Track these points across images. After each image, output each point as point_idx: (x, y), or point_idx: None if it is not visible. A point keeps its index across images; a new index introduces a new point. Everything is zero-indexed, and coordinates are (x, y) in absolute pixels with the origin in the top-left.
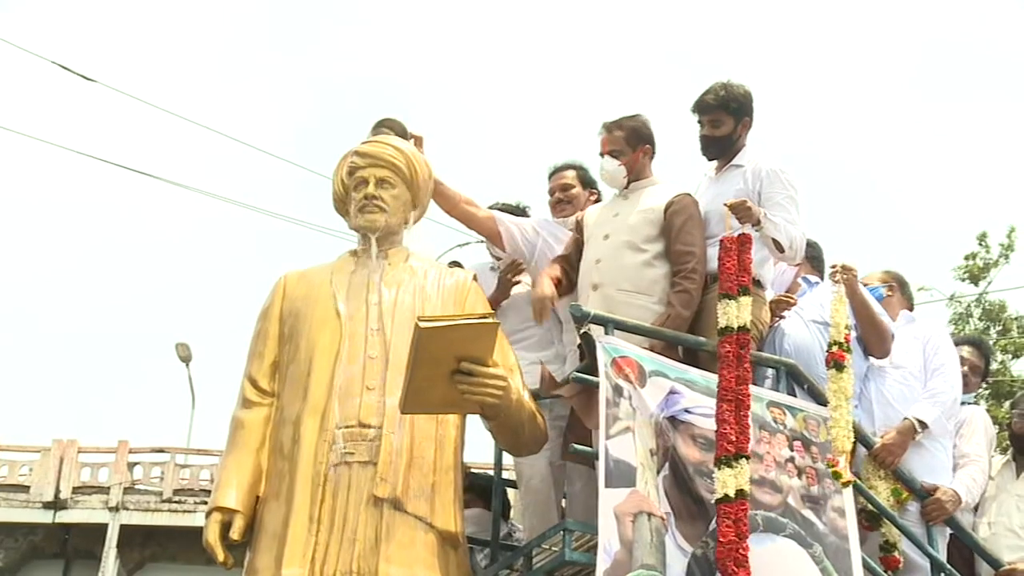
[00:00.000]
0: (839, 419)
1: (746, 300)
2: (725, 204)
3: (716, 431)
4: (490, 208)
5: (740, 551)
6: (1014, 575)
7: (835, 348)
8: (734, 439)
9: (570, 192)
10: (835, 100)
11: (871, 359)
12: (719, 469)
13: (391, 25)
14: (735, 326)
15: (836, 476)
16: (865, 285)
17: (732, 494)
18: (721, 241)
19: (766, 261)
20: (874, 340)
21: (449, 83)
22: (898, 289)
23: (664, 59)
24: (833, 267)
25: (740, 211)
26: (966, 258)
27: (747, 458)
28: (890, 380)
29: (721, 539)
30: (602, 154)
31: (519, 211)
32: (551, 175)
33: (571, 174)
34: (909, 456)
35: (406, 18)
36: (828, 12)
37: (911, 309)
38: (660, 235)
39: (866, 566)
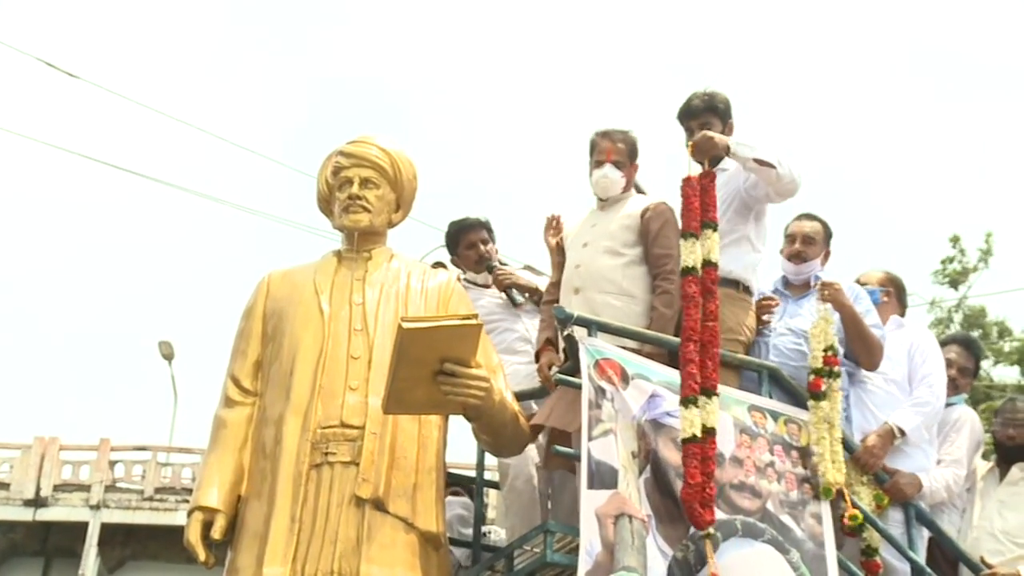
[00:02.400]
0: (823, 452)
1: (711, 234)
2: (687, 145)
3: (680, 371)
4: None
5: (707, 491)
6: None
7: (812, 377)
8: (699, 379)
9: None
10: (815, 103)
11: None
12: (684, 408)
13: (383, 26)
14: (697, 265)
15: (853, 520)
16: (864, 285)
17: (699, 433)
18: (683, 180)
19: (755, 265)
20: (863, 353)
21: (442, 85)
22: (894, 294)
23: (659, 62)
24: (816, 285)
25: (703, 145)
26: (943, 262)
27: (715, 394)
28: (871, 386)
29: (689, 480)
30: (603, 162)
31: (485, 226)
32: None
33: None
34: (891, 460)
35: (399, 19)
36: (802, 17)
37: (903, 314)
38: (638, 240)
39: (847, 570)
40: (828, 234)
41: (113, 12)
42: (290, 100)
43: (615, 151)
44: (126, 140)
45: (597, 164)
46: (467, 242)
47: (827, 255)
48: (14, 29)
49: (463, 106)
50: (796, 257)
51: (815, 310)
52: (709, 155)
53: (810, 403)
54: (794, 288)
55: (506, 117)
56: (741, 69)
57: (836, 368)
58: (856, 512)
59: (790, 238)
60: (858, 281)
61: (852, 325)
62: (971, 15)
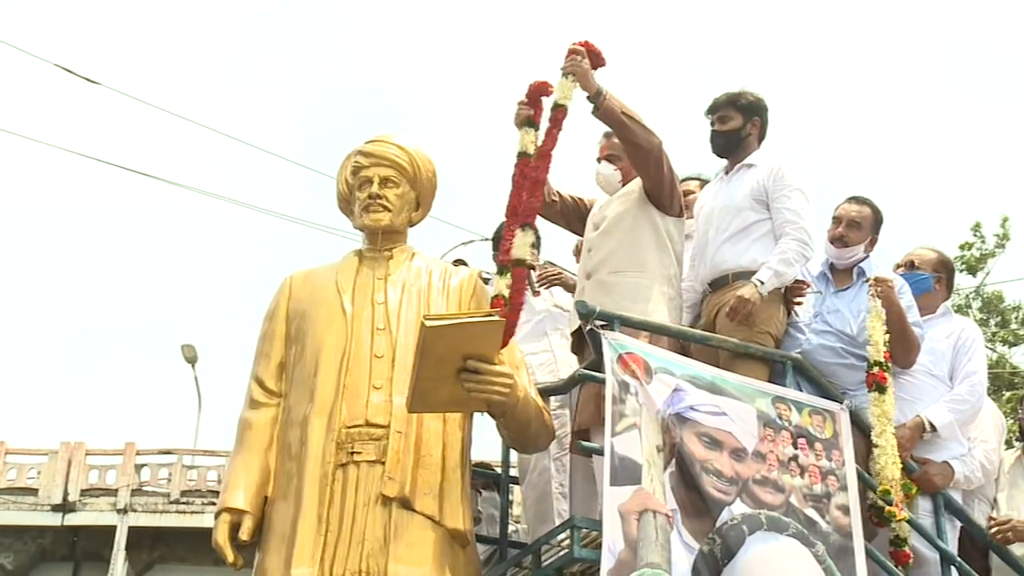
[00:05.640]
0: (885, 446)
1: (532, 132)
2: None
3: (500, 244)
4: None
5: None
6: (1013, 528)
7: (876, 369)
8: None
9: (689, 198)
10: (832, 92)
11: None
12: (498, 276)
13: (397, 29)
14: (529, 151)
15: (891, 515)
16: (917, 269)
17: (505, 294)
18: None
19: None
20: (900, 351)
21: (452, 87)
22: (945, 280)
23: (677, 59)
24: (868, 280)
25: (573, 67)
26: (961, 248)
27: (532, 228)
28: (907, 377)
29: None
30: (599, 159)
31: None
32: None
33: (695, 184)
34: (923, 450)
35: (412, 23)
36: (823, 13)
37: (948, 296)
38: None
39: (876, 560)
40: (877, 220)
41: (130, 19)
42: (305, 102)
43: (609, 147)
44: (145, 144)
45: (596, 161)
46: None
47: (873, 242)
48: (33, 35)
49: (472, 108)
50: (839, 241)
51: (859, 306)
52: (580, 78)
53: (873, 395)
54: (838, 275)
55: (509, 118)
56: (762, 66)
57: (890, 363)
58: (888, 505)
59: (836, 220)
60: (910, 262)
61: (897, 323)
62: (987, 11)
